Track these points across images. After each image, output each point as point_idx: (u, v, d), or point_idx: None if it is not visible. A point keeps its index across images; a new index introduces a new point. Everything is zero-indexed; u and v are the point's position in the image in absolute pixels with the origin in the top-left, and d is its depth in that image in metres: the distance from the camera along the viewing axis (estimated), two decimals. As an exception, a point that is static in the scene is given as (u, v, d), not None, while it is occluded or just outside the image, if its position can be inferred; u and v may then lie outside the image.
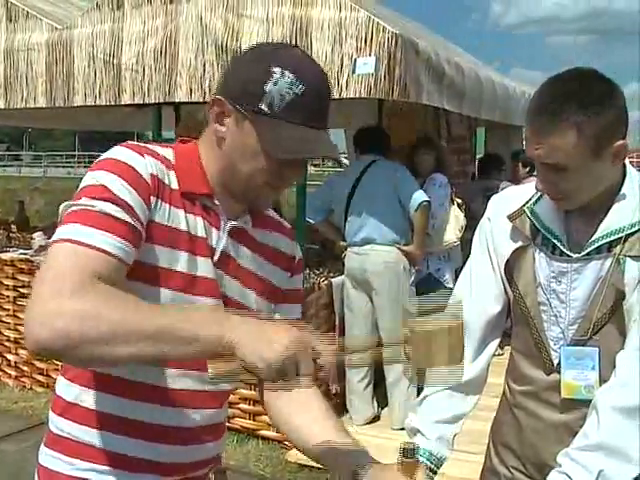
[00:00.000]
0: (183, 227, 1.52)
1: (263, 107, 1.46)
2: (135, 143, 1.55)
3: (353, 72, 4.58)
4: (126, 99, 5.62)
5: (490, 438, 2.15)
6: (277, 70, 1.45)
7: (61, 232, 1.36)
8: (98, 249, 1.34)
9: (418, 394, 2.02)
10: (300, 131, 1.47)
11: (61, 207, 1.44)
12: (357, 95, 4.62)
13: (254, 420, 5.02)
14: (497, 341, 2.02)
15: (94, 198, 1.39)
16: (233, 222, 1.59)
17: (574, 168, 1.71)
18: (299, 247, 1.80)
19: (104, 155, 1.50)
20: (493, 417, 2.16)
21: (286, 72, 1.45)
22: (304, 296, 4.76)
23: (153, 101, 5.54)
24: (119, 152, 1.49)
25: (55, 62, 5.86)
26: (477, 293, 1.99)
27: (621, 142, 1.73)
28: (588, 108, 1.68)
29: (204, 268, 1.54)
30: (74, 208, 1.40)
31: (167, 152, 1.58)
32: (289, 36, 4.74)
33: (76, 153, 45.89)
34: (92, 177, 1.44)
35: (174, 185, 1.53)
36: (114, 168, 1.44)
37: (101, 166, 1.46)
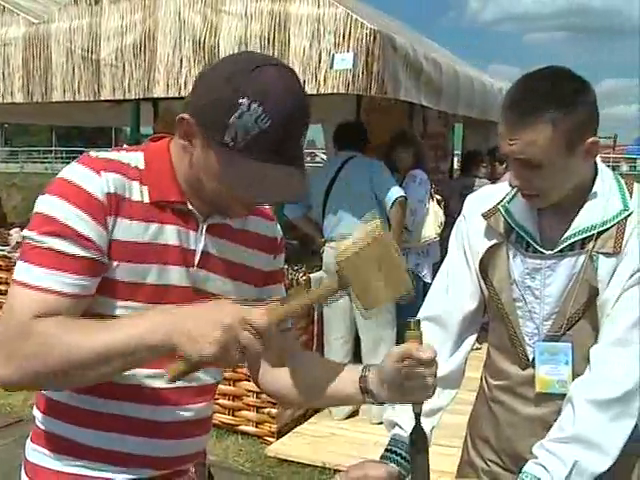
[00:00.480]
0: (150, 239, 1.49)
1: (226, 139, 1.40)
2: (95, 156, 1.50)
3: (331, 67, 4.59)
4: (105, 95, 5.61)
5: (467, 431, 2.18)
6: (244, 102, 1.37)
7: (16, 272, 1.41)
8: (49, 290, 1.38)
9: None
10: (262, 169, 1.41)
11: (22, 233, 1.45)
12: (335, 90, 4.64)
13: (233, 415, 5.03)
14: (474, 337, 2.05)
15: (44, 233, 1.39)
16: (210, 220, 1.57)
17: (548, 164, 1.73)
18: (279, 226, 1.78)
19: (60, 174, 1.47)
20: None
21: (253, 105, 1.37)
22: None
23: (133, 97, 5.53)
24: (73, 171, 1.46)
25: (32, 57, 5.83)
26: (453, 290, 2.01)
27: (593, 139, 1.76)
28: (562, 105, 1.70)
29: (177, 277, 1.53)
30: (27, 243, 1.41)
31: (136, 157, 1.54)
32: (267, 32, 4.75)
33: (53, 148, 45.41)
34: (44, 204, 1.43)
35: (138, 197, 1.50)
36: (66, 193, 1.42)
37: (54, 189, 1.44)
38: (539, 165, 1.74)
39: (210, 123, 1.41)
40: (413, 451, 1.59)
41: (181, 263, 1.54)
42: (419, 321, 1.49)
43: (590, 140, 1.75)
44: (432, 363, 1.48)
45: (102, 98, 5.69)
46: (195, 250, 1.56)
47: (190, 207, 1.54)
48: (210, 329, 1.30)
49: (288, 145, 1.43)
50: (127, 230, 1.47)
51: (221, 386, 4.93)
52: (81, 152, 1.56)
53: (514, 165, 1.80)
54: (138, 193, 1.50)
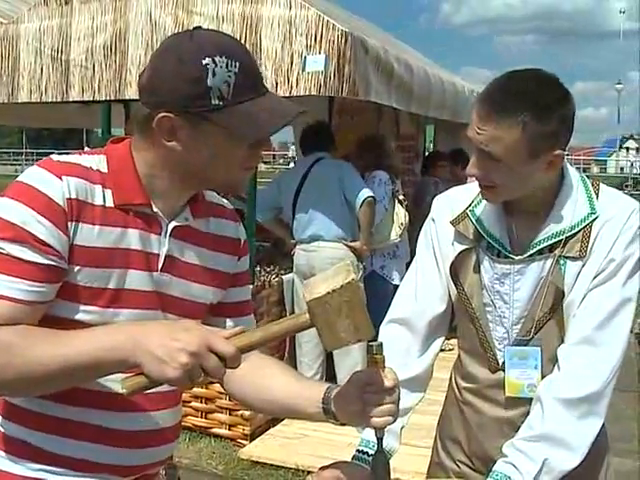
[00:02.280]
0: (112, 244, 1.48)
1: (215, 102, 1.42)
2: (56, 160, 1.49)
3: (303, 70, 4.59)
4: (74, 95, 5.54)
5: (437, 433, 2.18)
6: (208, 61, 1.41)
7: None
8: (7, 298, 1.37)
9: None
10: (258, 103, 1.46)
11: None
12: (307, 93, 4.63)
13: (206, 418, 5.01)
14: (442, 339, 2.05)
15: (3, 239, 1.38)
16: (174, 223, 1.56)
17: (507, 162, 1.74)
18: (242, 227, 1.77)
19: (20, 177, 1.46)
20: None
21: (216, 58, 1.42)
22: (255, 293, 4.80)
23: (103, 98, 5.48)
24: (34, 175, 1.44)
25: (1, 57, 5.76)
26: (422, 293, 2.01)
27: (559, 152, 1.76)
28: (538, 111, 1.71)
29: (139, 281, 1.52)
30: None
31: (98, 160, 1.53)
32: (239, 33, 4.73)
33: (23, 150, 45.11)
34: (3, 207, 1.41)
35: (100, 201, 1.48)
36: (25, 197, 1.41)
37: (14, 193, 1.42)
38: (498, 160, 1.74)
39: (192, 101, 1.43)
40: (374, 474, 1.57)
41: (144, 267, 1.53)
42: (382, 345, 1.49)
43: (556, 153, 1.76)
44: (394, 390, 1.48)
45: (70, 99, 5.63)
46: (159, 254, 1.55)
47: (155, 209, 1.53)
48: (176, 353, 1.30)
49: (258, 76, 1.51)
50: (89, 235, 1.45)
51: (194, 388, 4.91)
52: (52, 154, 1.55)
53: (476, 153, 1.80)
54: (100, 197, 1.48)
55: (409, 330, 2.00)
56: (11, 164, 43.09)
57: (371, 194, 5.31)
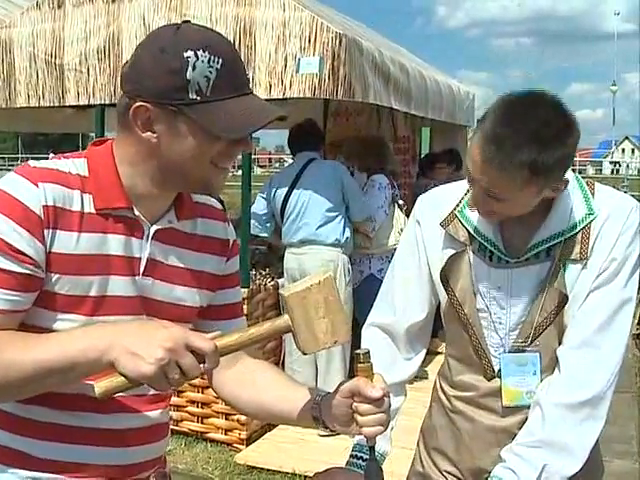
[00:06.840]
0: (92, 251, 1.46)
1: (192, 96, 1.40)
2: (33, 166, 1.47)
3: (297, 72, 4.57)
4: (70, 100, 5.52)
5: (420, 442, 2.12)
6: (190, 54, 1.39)
7: None
8: None
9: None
10: (237, 103, 1.43)
11: None
12: (301, 95, 4.61)
13: (202, 423, 5.00)
14: (426, 346, 2.02)
15: None
16: (157, 226, 1.54)
17: (513, 199, 1.69)
18: (232, 227, 1.75)
19: None
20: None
21: (199, 52, 1.39)
22: (251, 296, 4.78)
23: (98, 102, 5.45)
24: (11, 182, 1.42)
25: (-6, 62, 5.74)
26: (403, 299, 1.97)
27: (565, 178, 1.71)
28: (545, 147, 1.61)
29: (122, 287, 1.50)
30: None
31: (78, 164, 1.50)
32: (233, 36, 4.71)
33: (19, 155, 45.17)
34: None
35: (79, 207, 1.45)
36: (0, 205, 1.38)
37: None
38: (504, 200, 1.69)
39: (169, 92, 1.41)
40: None
41: (126, 272, 1.50)
42: (369, 352, 1.46)
43: (563, 179, 1.70)
44: (382, 401, 1.44)
45: (67, 103, 5.61)
46: (140, 258, 1.52)
47: (137, 213, 1.51)
48: (151, 348, 1.27)
49: (243, 75, 1.49)
50: (67, 242, 1.43)
51: (189, 393, 4.90)
52: (47, 159, 1.53)
53: (479, 192, 1.73)
54: (79, 203, 1.46)
55: (390, 337, 1.97)
56: (6, 169, 43.08)
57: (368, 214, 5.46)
